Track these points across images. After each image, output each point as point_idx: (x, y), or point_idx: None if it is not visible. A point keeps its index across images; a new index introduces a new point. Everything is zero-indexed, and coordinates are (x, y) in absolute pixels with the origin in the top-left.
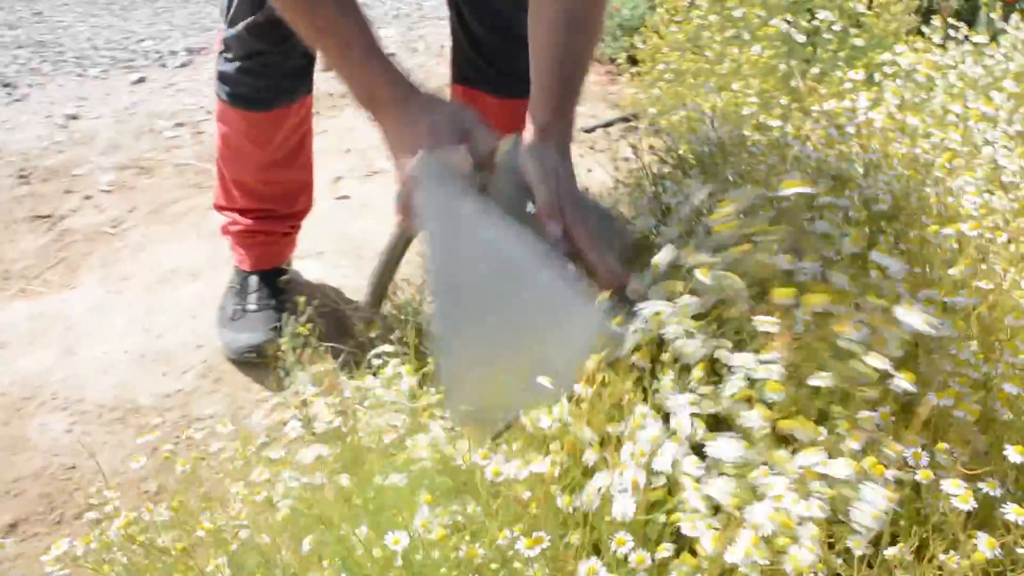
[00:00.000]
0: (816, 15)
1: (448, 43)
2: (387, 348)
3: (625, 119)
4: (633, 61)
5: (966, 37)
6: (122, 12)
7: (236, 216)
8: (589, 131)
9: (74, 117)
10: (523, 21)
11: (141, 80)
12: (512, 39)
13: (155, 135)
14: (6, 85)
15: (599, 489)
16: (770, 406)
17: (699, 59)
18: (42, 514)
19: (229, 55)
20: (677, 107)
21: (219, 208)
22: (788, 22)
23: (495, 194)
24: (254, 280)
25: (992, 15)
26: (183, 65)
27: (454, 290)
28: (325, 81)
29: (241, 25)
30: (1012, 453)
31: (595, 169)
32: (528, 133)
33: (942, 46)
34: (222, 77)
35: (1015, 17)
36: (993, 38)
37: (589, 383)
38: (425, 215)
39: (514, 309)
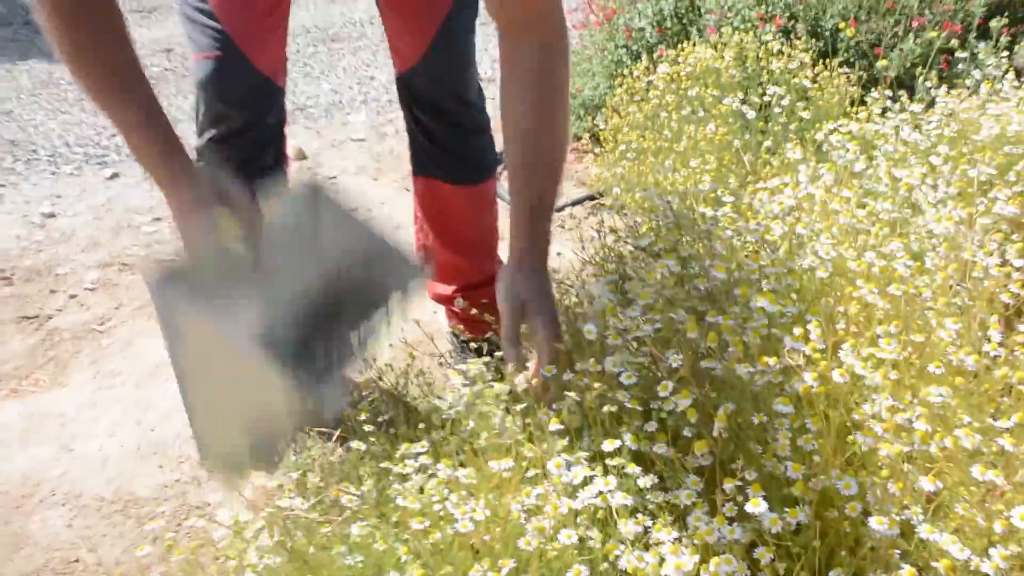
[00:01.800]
0: (766, 91)
1: None
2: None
3: (591, 197)
4: (596, 139)
5: (903, 107)
6: (91, 108)
7: None
8: (558, 210)
9: (51, 215)
10: (470, 114)
11: (115, 175)
12: (462, 130)
13: (134, 230)
14: None
15: None
16: None
17: (658, 137)
18: None
19: (201, 163)
20: (640, 184)
21: None
22: (741, 100)
23: (268, 245)
24: None
25: (928, 83)
26: None
27: (192, 373)
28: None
29: (206, 135)
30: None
31: (563, 250)
32: (509, 258)
33: (883, 114)
34: None
35: (944, 87)
36: (930, 105)
37: None
38: (160, 324)
39: (236, 381)
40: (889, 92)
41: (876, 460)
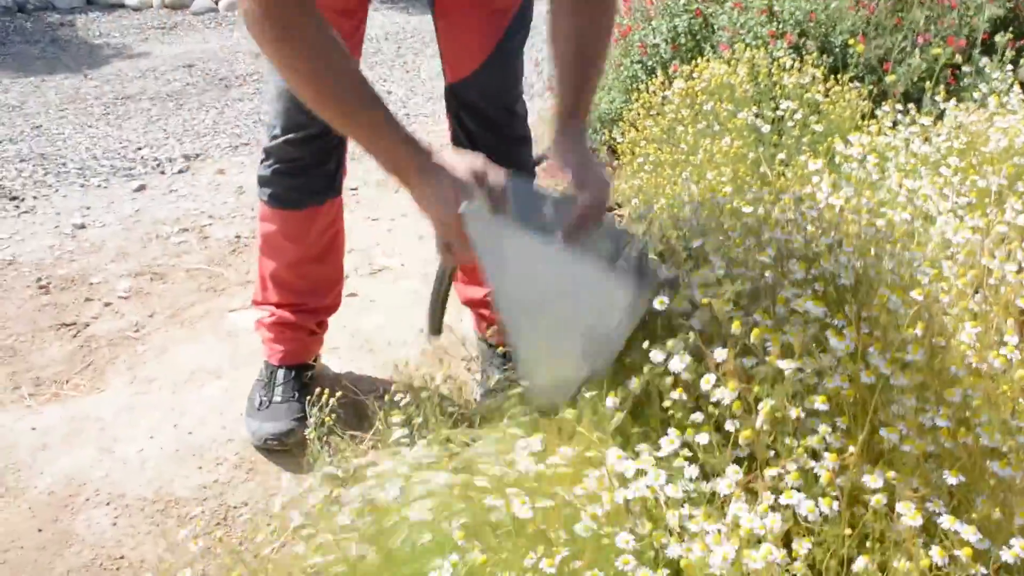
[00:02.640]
0: (779, 105)
1: (434, 140)
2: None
3: (609, 209)
4: (614, 152)
5: (913, 120)
6: (117, 122)
7: (272, 309)
8: None
9: (82, 226)
10: (514, 124)
11: (142, 188)
12: (506, 139)
13: (162, 241)
14: (13, 198)
15: None
16: None
17: (675, 151)
18: None
19: (268, 162)
20: (658, 196)
21: (256, 303)
22: (755, 114)
23: (514, 212)
24: (281, 373)
25: (936, 97)
26: (181, 171)
27: (516, 301)
28: None
29: (282, 138)
30: (948, 477)
31: None
32: (555, 125)
33: (893, 127)
34: (261, 180)
35: (952, 100)
36: (938, 117)
37: None
38: (482, 248)
39: (565, 302)
40: (899, 106)
41: (901, 457)
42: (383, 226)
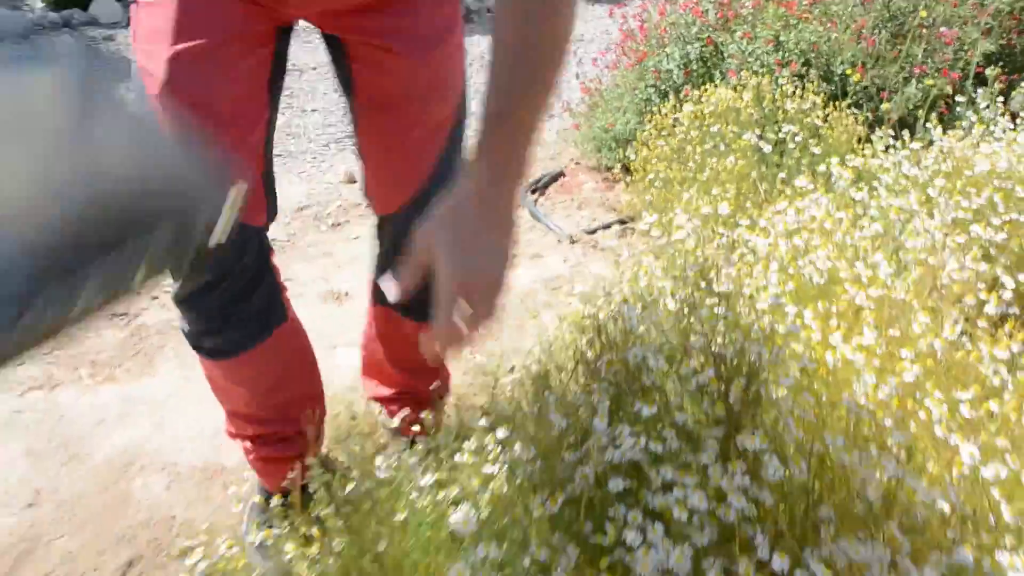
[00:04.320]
0: (782, 128)
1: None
2: None
3: (621, 221)
4: (627, 170)
5: (902, 144)
6: None
7: (247, 444)
8: (591, 232)
9: None
10: None
11: None
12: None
13: None
14: None
15: None
16: None
17: (683, 168)
18: (152, 555)
19: (182, 317)
20: (667, 210)
21: (231, 435)
22: (758, 135)
23: None
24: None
25: (928, 125)
26: None
27: None
28: None
29: (179, 296)
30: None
31: (598, 266)
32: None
33: (886, 151)
34: (185, 334)
35: (939, 128)
36: (930, 144)
37: None
38: None
39: None
40: (892, 132)
41: (862, 428)
42: None
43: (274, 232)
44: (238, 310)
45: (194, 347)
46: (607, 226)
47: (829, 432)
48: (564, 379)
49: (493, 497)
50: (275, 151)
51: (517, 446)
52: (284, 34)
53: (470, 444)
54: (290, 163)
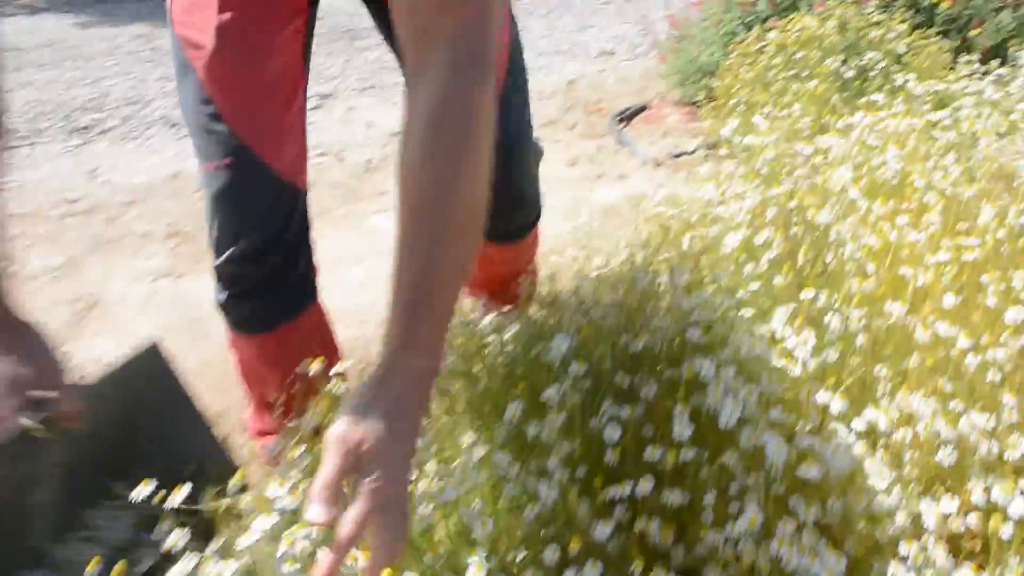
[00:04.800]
0: (864, 56)
1: None
2: None
3: (705, 147)
4: (711, 101)
5: (985, 73)
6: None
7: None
8: (676, 156)
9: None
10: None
11: None
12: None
13: None
14: (173, 125)
15: None
16: None
17: (766, 93)
18: None
19: (220, 285)
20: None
21: (259, 434)
22: (842, 61)
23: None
24: None
25: (1019, 52)
26: (315, 107)
27: None
28: None
29: (223, 257)
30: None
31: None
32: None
33: (970, 76)
34: (219, 306)
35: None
36: (1017, 71)
37: None
38: None
39: None
40: (979, 60)
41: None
42: None
43: (371, 153)
44: (279, 276)
45: (232, 321)
46: (690, 152)
47: (888, 300)
48: (650, 255)
49: (584, 330)
50: (371, 83)
51: (606, 297)
52: (313, 4)
53: (566, 295)
54: (384, 93)
